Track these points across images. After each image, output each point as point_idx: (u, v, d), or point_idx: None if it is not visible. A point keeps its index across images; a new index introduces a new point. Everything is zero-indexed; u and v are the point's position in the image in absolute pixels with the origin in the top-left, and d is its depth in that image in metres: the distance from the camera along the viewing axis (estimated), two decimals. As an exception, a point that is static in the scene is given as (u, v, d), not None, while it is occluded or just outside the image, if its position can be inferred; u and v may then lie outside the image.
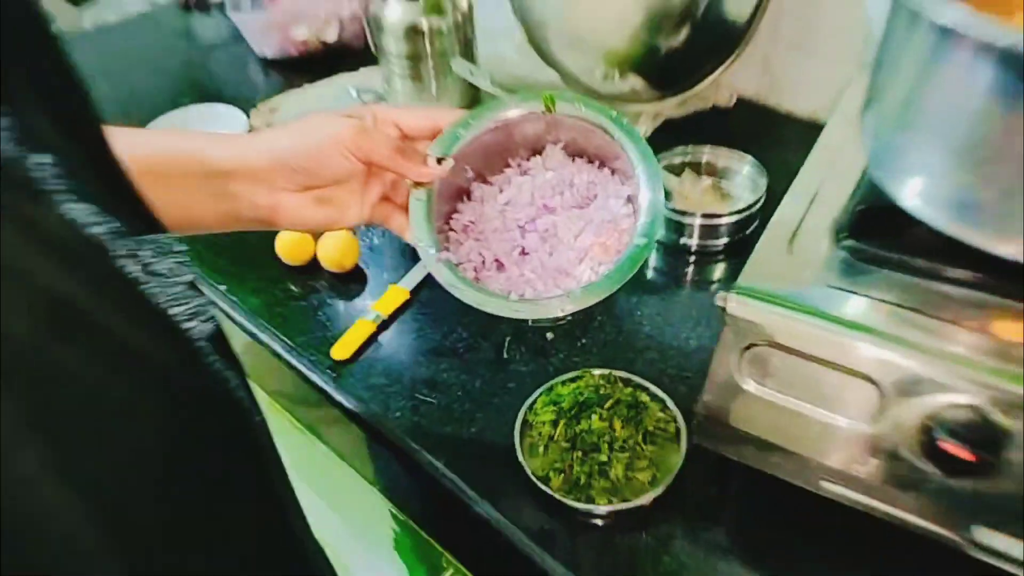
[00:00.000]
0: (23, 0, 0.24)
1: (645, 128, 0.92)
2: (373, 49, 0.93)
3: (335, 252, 0.76)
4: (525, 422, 0.59)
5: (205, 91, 1.10)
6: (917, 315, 0.44)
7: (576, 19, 0.87)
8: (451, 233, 0.55)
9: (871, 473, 0.46)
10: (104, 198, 0.24)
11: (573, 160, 0.56)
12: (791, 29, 0.91)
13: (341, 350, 0.68)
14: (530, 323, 0.70)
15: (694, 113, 0.96)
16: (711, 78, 0.89)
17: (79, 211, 0.23)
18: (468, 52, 0.93)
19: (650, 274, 0.76)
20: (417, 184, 0.52)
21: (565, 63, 0.91)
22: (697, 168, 0.80)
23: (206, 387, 0.27)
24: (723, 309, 0.46)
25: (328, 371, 0.67)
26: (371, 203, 0.53)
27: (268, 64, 1.16)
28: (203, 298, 0.27)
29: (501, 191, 0.55)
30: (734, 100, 0.98)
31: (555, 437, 0.58)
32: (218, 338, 0.28)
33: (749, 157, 0.78)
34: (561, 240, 0.53)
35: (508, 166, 0.57)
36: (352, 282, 0.77)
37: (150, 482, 0.23)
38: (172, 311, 0.25)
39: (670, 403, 0.59)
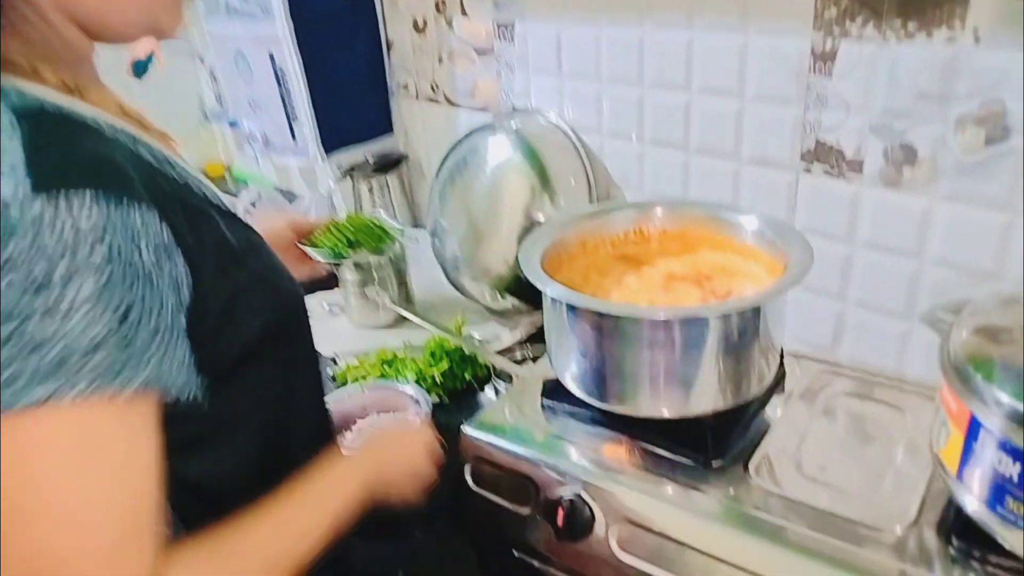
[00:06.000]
0: None
1: (522, 331, 1.31)
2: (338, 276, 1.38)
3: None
4: None
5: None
6: (567, 443, 0.79)
7: (474, 258, 1.31)
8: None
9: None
10: None
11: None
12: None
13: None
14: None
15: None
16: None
17: None
18: (403, 282, 1.36)
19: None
20: None
21: (468, 289, 1.33)
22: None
23: None
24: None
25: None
26: None
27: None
28: None
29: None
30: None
31: None
32: None
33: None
34: None
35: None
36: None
37: None
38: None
39: None
